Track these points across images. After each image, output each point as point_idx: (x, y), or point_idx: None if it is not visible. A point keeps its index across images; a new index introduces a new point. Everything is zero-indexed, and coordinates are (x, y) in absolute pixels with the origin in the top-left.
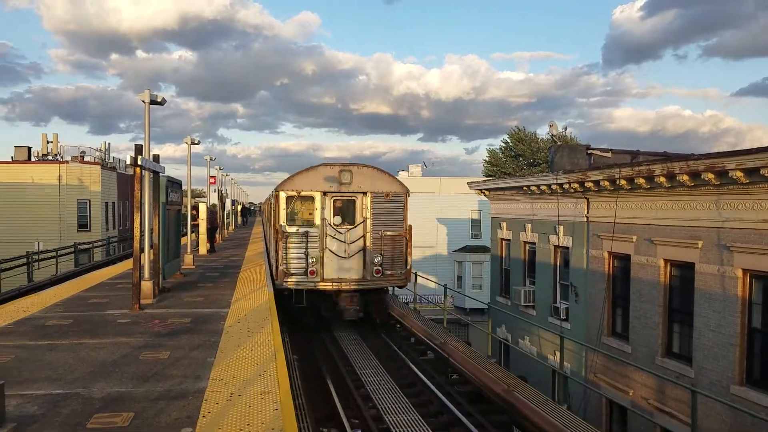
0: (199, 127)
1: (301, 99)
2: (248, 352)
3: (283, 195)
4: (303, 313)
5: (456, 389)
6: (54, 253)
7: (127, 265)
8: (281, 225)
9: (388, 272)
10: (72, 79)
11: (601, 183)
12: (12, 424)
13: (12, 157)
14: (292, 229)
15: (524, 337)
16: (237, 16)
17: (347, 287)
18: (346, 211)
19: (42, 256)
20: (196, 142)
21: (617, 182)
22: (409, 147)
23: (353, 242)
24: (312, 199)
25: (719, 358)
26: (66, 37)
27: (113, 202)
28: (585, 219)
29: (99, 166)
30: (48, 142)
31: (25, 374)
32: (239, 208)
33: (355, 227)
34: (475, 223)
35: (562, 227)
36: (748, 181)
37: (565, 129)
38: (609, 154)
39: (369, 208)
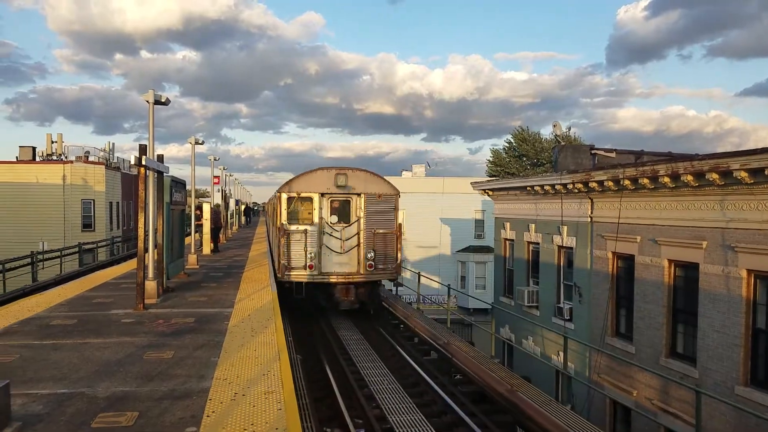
0: (202, 127)
1: (304, 99)
2: (252, 352)
3: (284, 196)
4: (303, 304)
5: (459, 389)
6: (58, 253)
7: (131, 265)
8: (283, 223)
9: (380, 266)
10: (76, 79)
11: (605, 183)
12: (17, 423)
13: (16, 157)
14: (293, 227)
15: (528, 337)
16: (241, 16)
17: (343, 280)
18: (341, 210)
19: (46, 255)
20: (200, 142)
21: (621, 182)
22: (413, 147)
23: (348, 239)
24: (311, 199)
25: (723, 359)
26: (70, 38)
27: (117, 202)
28: (589, 219)
29: (103, 166)
30: (52, 142)
31: (30, 373)
32: (242, 208)
33: (350, 225)
34: (479, 224)
35: (565, 227)
36: (752, 181)
37: (569, 129)
38: (613, 155)
39: (362, 208)
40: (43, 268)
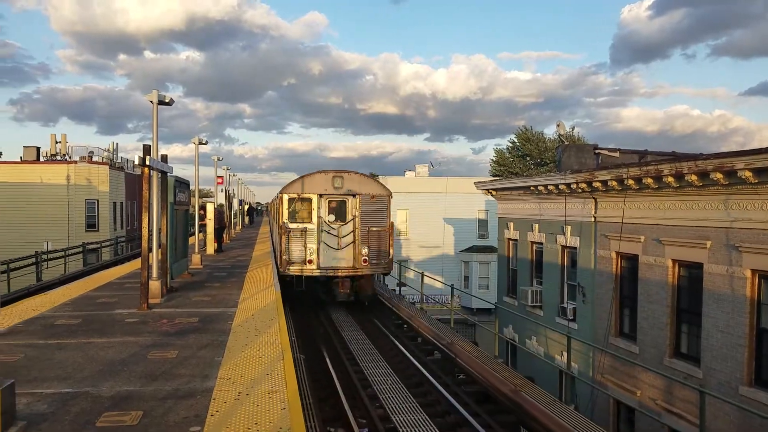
0: (206, 128)
1: (308, 99)
2: (256, 352)
3: (285, 197)
4: (303, 296)
5: (463, 389)
6: (62, 253)
7: (134, 264)
8: (284, 222)
9: (374, 261)
10: (80, 79)
11: (609, 183)
12: (22, 422)
13: (21, 158)
14: (294, 226)
15: (531, 337)
16: (244, 16)
17: (340, 274)
18: (338, 210)
19: (51, 255)
20: (203, 142)
21: (625, 182)
22: (416, 147)
23: (344, 236)
24: (310, 200)
25: (728, 359)
26: (74, 38)
27: (121, 202)
28: (593, 219)
29: (107, 166)
30: (56, 143)
31: (35, 373)
32: (246, 208)
33: (346, 224)
34: (482, 223)
35: (569, 227)
36: (756, 181)
37: (573, 129)
38: (617, 154)
39: (357, 207)
40: (47, 268)
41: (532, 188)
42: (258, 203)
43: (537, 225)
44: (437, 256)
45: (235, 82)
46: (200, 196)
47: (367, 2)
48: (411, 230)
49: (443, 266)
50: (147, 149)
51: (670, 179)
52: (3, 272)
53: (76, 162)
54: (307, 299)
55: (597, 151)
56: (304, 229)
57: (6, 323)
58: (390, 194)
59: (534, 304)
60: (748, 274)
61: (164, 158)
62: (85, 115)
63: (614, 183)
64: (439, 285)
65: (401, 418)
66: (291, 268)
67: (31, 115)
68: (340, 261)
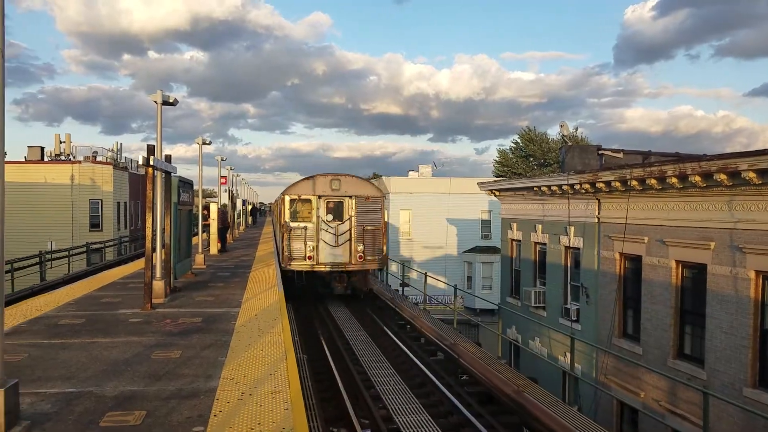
0: (210, 128)
1: (311, 99)
2: (259, 352)
3: (287, 198)
4: (303, 290)
5: (466, 390)
6: (66, 253)
7: (138, 264)
8: (286, 221)
9: (369, 258)
10: (84, 79)
11: (613, 184)
12: (26, 422)
13: (25, 157)
14: (295, 224)
15: (535, 338)
16: (248, 16)
17: (337, 269)
18: (336, 210)
19: (54, 255)
20: (207, 142)
21: (629, 183)
22: (419, 147)
23: (341, 234)
24: (310, 201)
25: (731, 360)
26: (79, 38)
27: (125, 202)
28: (596, 220)
29: (111, 166)
30: (61, 142)
31: (39, 372)
32: (249, 208)
33: (343, 223)
34: (485, 224)
35: (572, 228)
36: (760, 182)
37: (576, 129)
38: (620, 155)
39: (354, 208)
40: (51, 268)
41: (535, 189)
42: (261, 203)
43: (540, 226)
44: (440, 257)
45: (239, 82)
46: (204, 196)
47: (371, 2)
48: (414, 231)
49: (446, 267)
50: (151, 149)
51: (674, 180)
52: (7, 272)
53: (80, 162)
54: (307, 292)
55: (600, 152)
56: (305, 228)
57: (10, 323)
58: (383, 196)
59: (537, 305)
60: (752, 275)
61: (168, 158)
62: (89, 115)
63: (618, 184)
64: (442, 285)
65: (404, 419)
66: (292, 263)
67: (36, 115)
68: (338, 257)
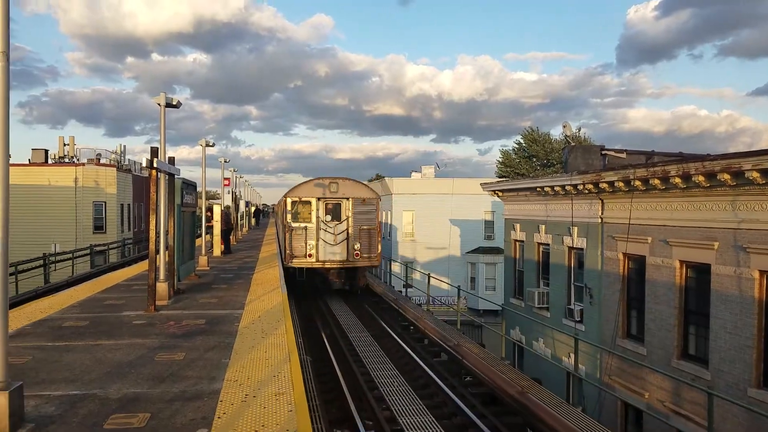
0: (213, 129)
1: (314, 101)
2: (262, 354)
3: (289, 200)
4: (304, 286)
5: (470, 391)
6: (70, 255)
7: (142, 266)
8: (288, 222)
9: (365, 255)
10: (88, 82)
11: (616, 184)
12: (30, 424)
13: (29, 160)
14: (296, 225)
15: (538, 339)
16: (251, 19)
17: (335, 266)
18: (334, 211)
19: (58, 257)
20: (210, 144)
21: (632, 183)
22: (422, 148)
23: (339, 234)
24: (310, 203)
25: (736, 361)
26: (82, 41)
27: (128, 204)
28: (599, 220)
29: (114, 169)
30: (64, 145)
31: (43, 375)
32: (252, 209)
33: (340, 223)
34: (489, 225)
35: (576, 228)
36: (764, 181)
37: (579, 129)
38: (623, 155)
39: (350, 209)
40: (55, 270)
41: (538, 189)
42: (264, 205)
43: (543, 226)
44: (443, 258)
45: (241, 85)
46: (207, 198)
47: (373, 4)
48: (417, 231)
49: (449, 267)
50: (154, 151)
51: (678, 180)
52: (11, 274)
53: (84, 164)
54: (308, 288)
55: (604, 152)
56: (305, 228)
57: (14, 325)
58: (379, 198)
59: (541, 306)
60: (756, 275)
61: (171, 160)
62: (93, 117)
63: (621, 184)
64: (445, 286)
65: (408, 420)
66: (294, 261)
67: (40, 117)
68: (336, 255)
